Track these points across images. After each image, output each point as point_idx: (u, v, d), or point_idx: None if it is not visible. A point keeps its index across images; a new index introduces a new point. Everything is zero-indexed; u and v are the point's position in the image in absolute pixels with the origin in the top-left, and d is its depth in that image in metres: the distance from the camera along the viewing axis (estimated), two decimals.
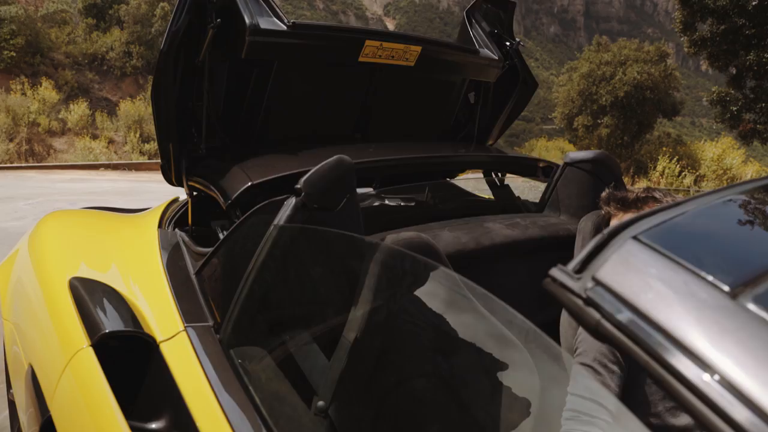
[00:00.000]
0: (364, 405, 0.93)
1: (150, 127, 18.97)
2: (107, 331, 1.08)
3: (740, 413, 0.41)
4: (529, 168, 2.30)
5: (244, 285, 1.07)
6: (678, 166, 15.56)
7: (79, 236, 1.82)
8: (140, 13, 23.05)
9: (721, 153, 17.09)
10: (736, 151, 16.99)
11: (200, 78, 1.62)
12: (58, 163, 15.09)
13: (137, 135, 18.43)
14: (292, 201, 1.10)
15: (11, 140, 16.52)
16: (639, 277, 0.49)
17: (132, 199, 8.76)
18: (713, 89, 11.72)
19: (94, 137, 18.47)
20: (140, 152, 17.93)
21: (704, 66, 11.62)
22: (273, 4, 1.64)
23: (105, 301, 1.21)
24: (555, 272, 0.52)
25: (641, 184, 16.20)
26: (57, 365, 1.13)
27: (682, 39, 11.29)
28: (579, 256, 0.53)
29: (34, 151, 17.00)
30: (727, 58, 10.84)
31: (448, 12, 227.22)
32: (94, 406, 1.01)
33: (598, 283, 0.49)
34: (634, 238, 0.53)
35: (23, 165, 14.25)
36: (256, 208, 1.24)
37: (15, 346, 1.55)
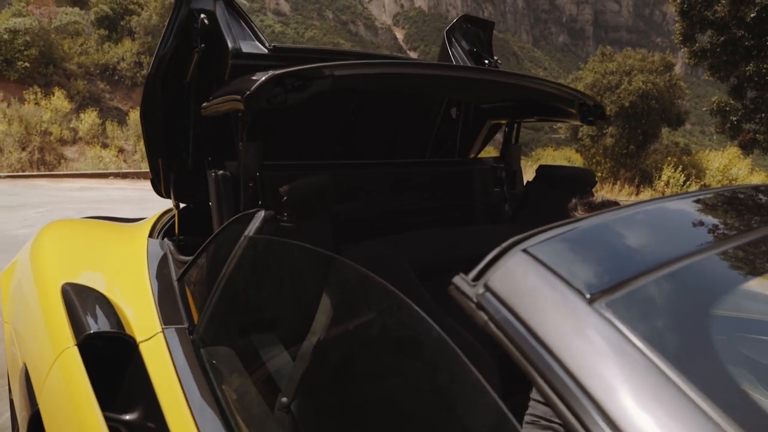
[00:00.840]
0: (324, 401, 1.03)
1: None
2: (92, 331, 1.20)
3: (582, 402, 0.48)
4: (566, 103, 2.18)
5: (216, 290, 1.19)
6: (683, 175, 15.53)
7: (75, 244, 1.95)
8: (151, 25, 23.37)
9: (727, 163, 17.06)
10: (742, 161, 16.95)
11: (187, 98, 1.74)
12: (68, 172, 15.33)
13: None
14: (261, 214, 1.21)
15: (24, 149, 16.81)
16: (521, 285, 0.60)
17: (139, 208, 8.92)
18: (713, 99, 11.75)
19: (105, 146, 18.73)
20: None
21: (706, 76, 11.68)
22: (255, 28, 1.76)
23: (92, 304, 1.32)
24: (457, 279, 0.63)
25: (646, 194, 16.18)
26: (46, 363, 1.25)
27: (682, 50, 11.36)
28: (479, 265, 0.64)
29: (45, 159, 17.27)
30: (727, 69, 10.88)
31: None
32: (75, 400, 1.12)
33: (488, 289, 0.60)
34: (524, 251, 0.64)
35: (34, 174, 14.50)
36: (231, 219, 1.36)
37: (13, 346, 1.68)
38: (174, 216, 1.94)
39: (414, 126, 2.47)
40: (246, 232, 1.20)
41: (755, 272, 0.71)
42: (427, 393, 0.87)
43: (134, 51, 23.29)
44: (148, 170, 1.92)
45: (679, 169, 16.15)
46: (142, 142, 18.70)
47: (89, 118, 18.91)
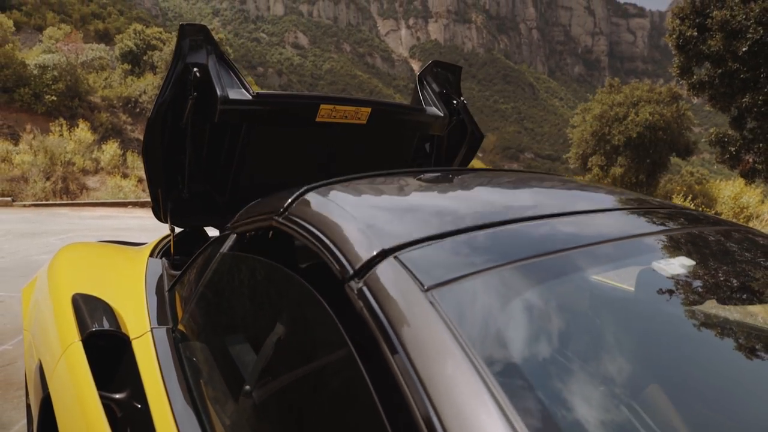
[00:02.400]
0: (280, 390, 1.27)
1: None
2: (93, 329, 1.47)
3: (407, 367, 0.69)
4: None
5: (194, 297, 1.46)
6: (692, 204, 15.61)
7: (87, 263, 2.24)
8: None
9: (738, 192, 17.09)
10: (753, 190, 16.97)
11: (184, 137, 2.03)
12: (89, 201, 15.84)
13: None
14: (233, 236, 1.48)
15: (48, 179, 17.40)
16: (388, 282, 0.85)
17: (154, 235, 9.27)
18: (711, 130, 11.93)
19: (125, 176, 19.29)
20: None
21: (707, 107, 11.88)
22: (241, 77, 2.05)
23: (96, 310, 1.60)
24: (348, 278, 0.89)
25: None
26: (55, 355, 1.52)
27: (681, 83, 11.60)
28: (361, 267, 0.89)
29: (68, 189, 17.83)
30: (725, 100, 11.07)
31: (473, 53, 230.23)
32: (78, 383, 1.38)
33: (365, 284, 0.85)
34: (395, 257, 0.89)
35: (57, 202, 15.01)
36: (212, 239, 1.64)
37: (31, 348, 1.95)
38: (167, 241, 2.22)
39: (390, 158, 2.74)
40: (221, 250, 1.48)
41: (569, 274, 0.95)
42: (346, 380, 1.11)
43: (156, 84, 24.08)
44: None
45: (689, 198, 16.23)
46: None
47: (111, 149, 19.53)
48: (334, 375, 1.04)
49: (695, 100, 12.24)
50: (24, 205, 14.08)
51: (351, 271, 0.88)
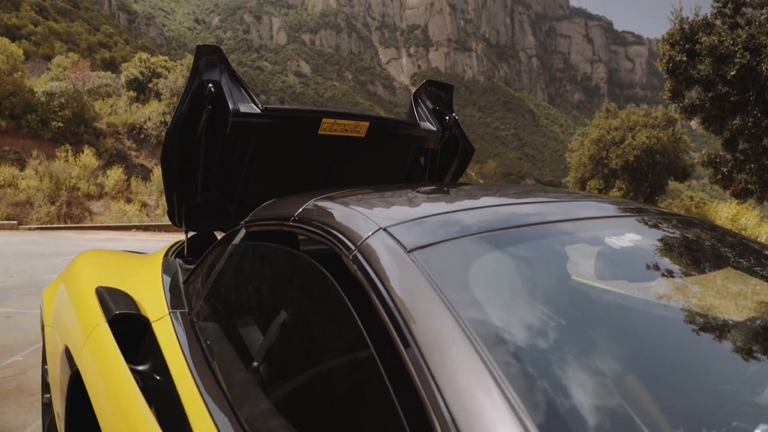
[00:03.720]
0: (285, 367, 1.43)
1: None
2: (117, 312, 1.63)
3: (395, 315, 0.86)
4: None
5: (208, 285, 1.63)
6: None
7: (105, 264, 2.41)
8: (177, 86, 24.68)
9: (735, 213, 17.25)
10: (750, 212, 17.13)
11: (198, 147, 2.21)
12: (93, 224, 16.04)
13: None
14: (243, 231, 1.66)
15: (53, 203, 17.63)
16: (380, 249, 1.02)
17: None
18: (703, 151, 12.18)
19: (129, 201, 19.52)
20: None
21: (700, 130, 12.14)
22: (251, 93, 2.23)
23: (118, 298, 1.77)
24: (345, 247, 1.05)
25: None
26: (83, 336, 1.68)
27: (672, 106, 11.90)
28: (352, 240, 1.06)
29: (72, 213, 18.05)
30: (717, 123, 11.32)
31: (474, 81, 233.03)
32: (107, 357, 1.54)
33: (360, 251, 1.03)
34: (385, 230, 1.06)
35: (62, 226, 15.20)
36: (223, 236, 1.81)
37: (54, 339, 2.11)
38: (183, 243, 2.40)
39: (387, 169, 2.92)
40: (234, 242, 1.65)
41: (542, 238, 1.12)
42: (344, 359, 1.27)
43: (160, 111, 24.49)
44: (169, 223, 2.39)
45: None
46: (164, 198, 19.50)
47: (115, 175, 19.79)
48: (333, 344, 1.20)
49: (693, 125, 12.52)
50: (30, 229, 14.27)
51: (350, 245, 1.05)
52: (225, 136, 2.24)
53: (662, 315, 1.17)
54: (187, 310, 1.69)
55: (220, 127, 2.18)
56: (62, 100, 20.63)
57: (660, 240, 1.32)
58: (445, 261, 0.98)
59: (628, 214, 1.40)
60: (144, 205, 20.12)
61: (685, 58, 10.79)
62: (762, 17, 10.43)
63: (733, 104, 10.57)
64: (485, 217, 1.20)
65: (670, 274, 1.23)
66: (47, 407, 2.73)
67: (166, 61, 29.30)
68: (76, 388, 1.57)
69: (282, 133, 2.34)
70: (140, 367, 1.46)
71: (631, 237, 1.24)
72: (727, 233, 1.42)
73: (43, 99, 20.41)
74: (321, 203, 1.35)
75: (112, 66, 32.35)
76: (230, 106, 2.12)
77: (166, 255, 2.35)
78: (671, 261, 1.26)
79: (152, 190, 20.59)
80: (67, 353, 1.75)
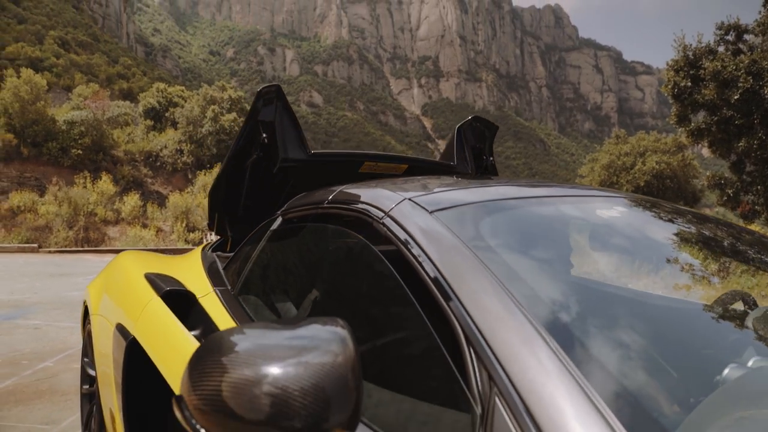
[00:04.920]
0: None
1: (195, 218, 20.36)
2: (167, 289, 1.84)
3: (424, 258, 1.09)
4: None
5: (248, 265, 1.84)
6: None
7: (148, 257, 2.63)
8: (193, 115, 25.25)
9: None
10: (759, 230, 17.08)
11: (243, 177, 2.44)
12: (111, 248, 16.35)
13: (183, 225, 19.68)
14: (279, 219, 1.87)
15: (71, 228, 18.02)
16: (406, 214, 1.22)
17: None
18: (708, 174, 12.33)
19: (144, 226, 19.87)
20: (185, 240, 19.09)
21: (708, 153, 12.32)
22: (303, 136, 2.41)
23: (167, 279, 1.98)
24: (374, 213, 1.26)
25: None
26: (137, 310, 1.89)
27: (679, 130, 12.12)
28: (382, 208, 1.27)
29: (90, 238, 18.41)
30: (724, 146, 11.51)
31: (484, 111, 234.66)
32: (164, 324, 1.73)
33: (388, 216, 1.23)
34: (409, 200, 1.27)
35: (81, 249, 15.51)
36: (260, 226, 2.02)
37: (103, 323, 2.31)
38: (219, 241, 2.64)
39: None
40: (272, 228, 1.86)
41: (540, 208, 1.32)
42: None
43: (176, 139, 25.06)
44: (183, 247, 2.62)
45: None
46: (179, 223, 19.78)
47: (131, 201, 20.19)
48: (366, 300, 1.39)
49: (704, 151, 12.71)
50: (49, 251, 14.60)
51: (380, 213, 1.24)
52: (272, 172, 2.45)
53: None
54: (229, 287, 1.89)
55: (269, 165, 2.39)
56: (82, 128, 21.22)
57: (647, 216, 1.51)
58: (463, 219, 1.17)
59: (619, 196, 1.59)
60: (159, 230, 20.46)
61: (689, 84, 11.06)
62: (764, 44, 10.72)
63: (738, 127, 10.77)
64: (497, 191, 1.41)
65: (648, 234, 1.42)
66: (85, 397, 2.93)
67: (182, 91, 30.05)
68: (133, 354, 1.76)
69: (324, 174, 2.50)
70: (194, 332, 1.65)
71: (620, 209, 1.43)
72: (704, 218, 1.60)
73: (64, 127, 21.01)
74: (351, 189, 1.56)
75: (130, 96, 33.16)
76: (280, 154, 2.32)
77: (203, 250, 2.57)
78: (652, 225, 1.45)
79: (167, 216, 20.93)
80: (120, 329, 1.95)
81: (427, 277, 0.96)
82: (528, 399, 0.67)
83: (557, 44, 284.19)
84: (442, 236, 1.05)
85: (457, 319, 0.83)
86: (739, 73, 10.14)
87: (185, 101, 27.30)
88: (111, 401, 2.07)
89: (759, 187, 11.07)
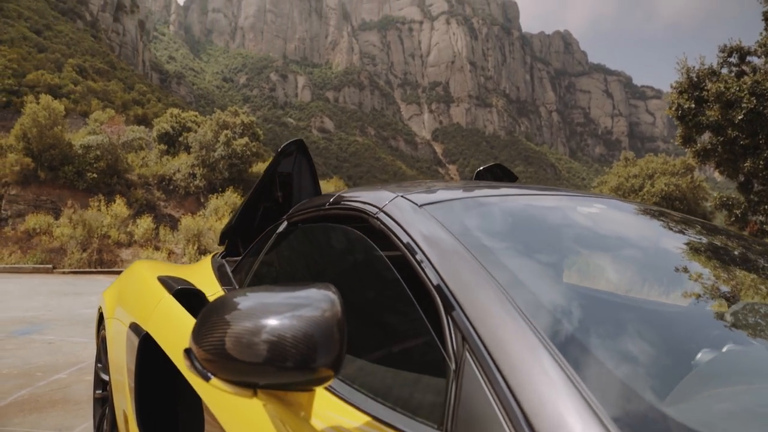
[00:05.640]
0: None
1: (207, 240, 20.55)
2: (179, 288, 1.96)
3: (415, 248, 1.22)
4: None
5: (256, 265, 1.96)
6: None
7: (160, 264, 2.76)
8: (206, 140, 25.63)
9: None
10: None
11: (258, 210, 2.61)
12: (123, 270, 16.54)
13: (195, 247, 19.87)
14: (285, 223, 1.99)
15: (84, 250, 18.27)
16: (399, 208, 1.34)
17: None
18: (716, 194, 12.35)
19: (156, 249, 20.07)
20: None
21: (716, 174, 12.36)
22: (318, 186, 2.59)
23: (178, 280, 2.10)
24: (369, 209, 1.39)
25: None
26: (150, 307, 2.01)
27: (686, 151, 12.20)
28: (375, 203, 1.39)
29: (103, 260, 18.63)
30: (731, 166, 11.56)
31: (494, 136, 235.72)
32: (177, 317, 1.85)
33: (382, 211, 1.35)
34: (402, 197, 1.39)
35: (94, 270, 15.72)
36: (265, 232, 2.15)
37: (118, 326, 2.43)
38: (225, 250, 2.78)
39: None
40: (277, 231, 1.99)
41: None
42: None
43: (189, 163, 25.42)
44: None
45: None
46: (190, 246, 20.00)
47: (144, 223, 20.44)
48: (366, 290, 1.50)
49: (716, 175, 12.77)
50: (63, 272, 14.81)
51: (374, 209, 1.36)
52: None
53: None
54: (237, 287, 2.00)
55: (283, 209, 2.54)
56: (98, 152, 21.64)
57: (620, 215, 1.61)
58: (449, 211, 1.29)
59: (602, 197, 1.70)
60: (171, 252, 20.65)
61: (693, 105, 11.17)
62: (767, 65, 10.83)
63: (744, 148, 10.83)
64: (481, 191, 1.53)
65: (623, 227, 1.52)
66: (98, 402, 3.03)
67: (195, 116, 30.57)
68: (146, 350, 1.88)
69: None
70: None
71: (599, 206, 1.54)
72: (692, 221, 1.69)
73: (80, 151, 21.44)
74: (349, 191, 1.68)
75: (144, 121, 33.79)
76: (294, 196, 2.51)
77: (213, 257, 2.70)
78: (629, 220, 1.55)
79: (179, 239, 21.12)
80: (134, 327, 2.07)
81: (414, 261, 1.08)
82: (495, 354, 0.78)
83: (567, 69, 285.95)
84: (429, 227, 1.17)
85: (437, 291, 0.95)
86: (743, 94, 10.23)
87: (198, 126, 27.74)
88: (124, 402, 2.18)
89: (766, 206, 11.09)
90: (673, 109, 11.64)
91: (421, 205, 1.29)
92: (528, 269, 1.05)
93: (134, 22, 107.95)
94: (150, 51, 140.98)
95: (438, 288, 0.96)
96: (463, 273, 0.96)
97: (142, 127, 27.86)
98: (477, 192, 1.52)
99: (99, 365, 3.04)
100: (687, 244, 1.52)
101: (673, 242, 1.50)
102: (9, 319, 7.04)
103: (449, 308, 0.90)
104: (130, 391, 2.02)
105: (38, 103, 21.06)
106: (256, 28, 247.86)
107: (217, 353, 0.78)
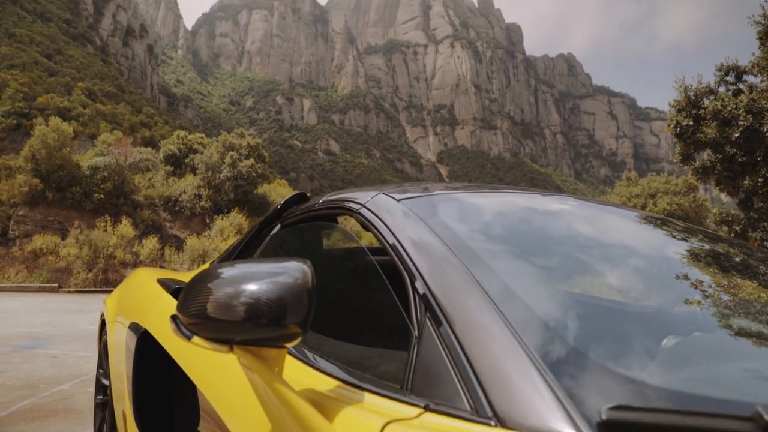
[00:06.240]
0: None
1: (211, 260, 20.66)
2: (176, 287, 2.05)
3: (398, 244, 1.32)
4: None
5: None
6: None
7: (161, 271, 2.86)
8: (212, 162, 25.88)
9: None
10: None
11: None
12: None
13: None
14: (278, 225, 2.09)
15: (90, 270, 18.40)
16: (381, 204, 1.44)
17: None
18: (715, 211, 12.40)
19: (161, 268, 20.19)
20: None
21: (717, 191, 12.42)
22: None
23: (176, 281, 2.19)
24: (351, 205, 1.48)
25: None
26: (149, 305, 2.10)
27: (685, 169, 12.28)
28: (358, 199, 1.49)
29: (108, 279, 18.74)
30: (731, 183, 11.63)
31: (500, 158, 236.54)
32: (171, 310, 1.93)
33: (364, 206, 1.45)
34: (384, 193, 1.49)
35: (100, 289, 15.82)
36: (262, 233, 2.25)
37: (118, 327, 2.52)
38: (223, 254, 2.86)
39: None
40: (270, 234, 2.09)
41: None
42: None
43: (195, 184, 25.65)
44: None
45: None
46: (195, 266, 20.09)
47: (150, 244, 20.57)
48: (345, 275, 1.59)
49: (722, 196, 12.81)
50: (69, 291, 14.92)
51: (358, 204, 1.47)
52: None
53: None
54: None
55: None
56: (105, 173, 21.90)
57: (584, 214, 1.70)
58: (424, 205, 1.39)
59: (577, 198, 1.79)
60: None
61: (691, 123, 11.29)
62: (762, 83, 10.96)
63: (742, 165, 10.90)
64: (457, 189, 1.63)
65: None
66: (99, 407, 3.10)
67: (202, 138, 30.92)
68: (144, 345, 1.96)
69: None
70: None
71: (570, 204, 1.64)
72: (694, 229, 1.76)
73: (87, 172, 21.70)
74: (336, 193, 1.79)
75: (151, 143, 34.14)
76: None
77: (212, 264, 2.80)
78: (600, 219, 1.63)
79: (184, 259, 21.23)
80: (133, 326, 2.15)
81: (388, 246, 1.19)
82: (450, 319, 0.87)
83: (571, 92, 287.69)
84: (405, 216, 1.27)
85: (405, 269, 1.05)
86: (739, 112, 10.34)
87: (204, 148, 28.05)
88: (123, 403, 2.26)
89: (766, 223, 11.12)
90: (672, 126, 11.76)
91: (399, 200, 1.39)
92: (488, 250, 1.14)
93: (143, 46, 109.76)
94: (158, 75, 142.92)
95: (405, 265, 1.06)
96: (429, 254, 1.06)
97: (149, 149, 28.19)
98: (451, 190, 1.62)
99: (100, 371, 3.11)
100: (654, 239, 1.60)
101: (641, 237, 1.59)
102: (14, 334, 7.12)
103: (413, 280, 1.00)
104: (129, 384, 2.10)
105: (48, 125, 21.41)
106: (263, 52, 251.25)
107: (200, 315, 0.88)
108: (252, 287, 0.86)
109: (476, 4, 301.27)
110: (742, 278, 1.33)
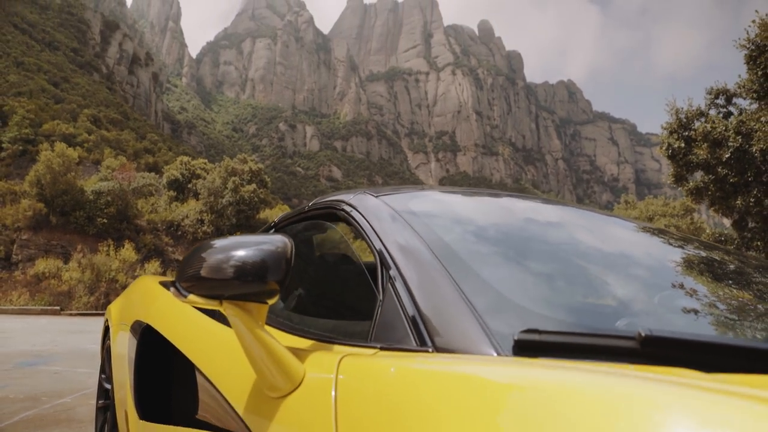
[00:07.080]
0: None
1: None
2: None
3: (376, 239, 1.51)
4: None
5: None
6: None
7: (163, 278, 3.01)
8: (214, 186, 26.14)
9: None
10: None
11: None
12: None
13: None
14: (272, 230, 2.25)
15: (92, 294, 18.51)
16: (366, 204, 1.60)
17: None
18: (708, 231, 12.54)
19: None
20: None
21: (712, 212, 12.57)
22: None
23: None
24: (344, 206, 1.65)
25: None
26: (150, 304, 2.24)
27: (678, 189, 12.46)
28: (344, 198, 1.66)
29: (110, 302, 18.82)
30: (724, 204, 11.79)
31: (501, 184, 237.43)
32: (178, 306, 2.07)
33: (349, 205, 1.61)
34: (365, 193, 1.65)
35: (101, 312, 15.89)
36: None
37: (125, 330, 2.66)
38: None
39: None
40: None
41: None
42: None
43: (197, 209, 25.86)
44: None
45: None
46: None
47: (152, 268, 20.69)
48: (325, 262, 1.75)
49: (725, 221, 12.99)
50: (71, 314, 15.01)
51: (342, 202, 1.63)
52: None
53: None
54: None
55: None
56: (108, 198, 22.14)
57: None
58: (399, 200, 1.55)
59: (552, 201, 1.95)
60: None
61: (683, 144, 11.51)
62: (751, 105, 11.20)
63: (734, 185, 11.07)
64: (436, 189, 1.79)
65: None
66: (100, 411, 3.22)
67: (204, 163, 31.27)
68: (146, 339, 2.10)
69: None
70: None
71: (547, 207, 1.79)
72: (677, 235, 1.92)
73: (91, 197, 21.94)
74: (324, 196, 1.95)
75: (155, 169, 34.48)
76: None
77: None
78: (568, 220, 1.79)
79: None
80: (135, 324, 2.29)
81: (364, 233, 1.35)
82: (407, 279, 1.03)
83: (572, 118, 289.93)
84: (379, 209, 1.44)
85: (374, 247, 1.21)
86: (728, 133, 10.56)
87: (207, 173, 28.35)
88: (125, 402, 2.38)
89: (758, 243, 11.25)
90: (664, 148, 12.00)
91: (377, 196, 1.55)
92: (445, 228, 1.31)
93: (148, 74, 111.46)
94: (162, 102, 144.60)
95: (377, 248, 1.22)
96: (396, 233, 1.23)
97: (153, 174, 28.50)
98: (429, 190, 1.78)
99: (102, 376, 3.23)
100: (629, 237, 1.76)
101: (615, 235, 1.74)
102: (17, 352, 7.23)
103: (382, 256, 1.16)
104: (131, 374, 2.22)
105: (53, 151, 21.73)
106: (266, 80, 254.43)
107: (195, 277, 1.04)
108: (240, 252, 1.03)
109: (477, 33, 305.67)
110: (671, 246, 1.50)
